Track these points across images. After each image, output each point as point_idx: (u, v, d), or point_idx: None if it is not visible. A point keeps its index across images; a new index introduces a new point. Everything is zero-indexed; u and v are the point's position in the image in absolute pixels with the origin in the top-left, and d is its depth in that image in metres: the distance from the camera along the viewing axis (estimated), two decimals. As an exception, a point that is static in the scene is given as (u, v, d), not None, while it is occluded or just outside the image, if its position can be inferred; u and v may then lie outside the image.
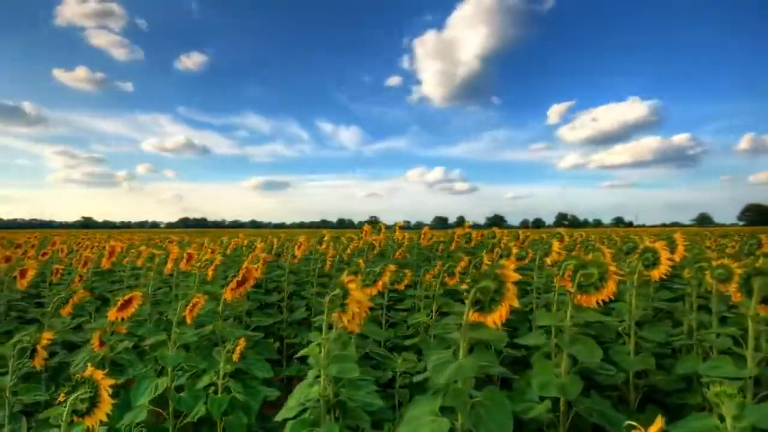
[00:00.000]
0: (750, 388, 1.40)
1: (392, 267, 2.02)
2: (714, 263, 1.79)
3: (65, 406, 1.24)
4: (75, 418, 1.29)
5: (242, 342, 1.68)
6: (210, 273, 2.26)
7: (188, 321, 1.74)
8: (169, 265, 2.45)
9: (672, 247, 2.45)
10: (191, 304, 1.74)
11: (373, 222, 4.82)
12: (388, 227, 4.69)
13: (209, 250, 3.27)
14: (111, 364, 1.90)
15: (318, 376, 1.41)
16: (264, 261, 2.69)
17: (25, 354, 1.51)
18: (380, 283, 1.96)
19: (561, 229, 4.44)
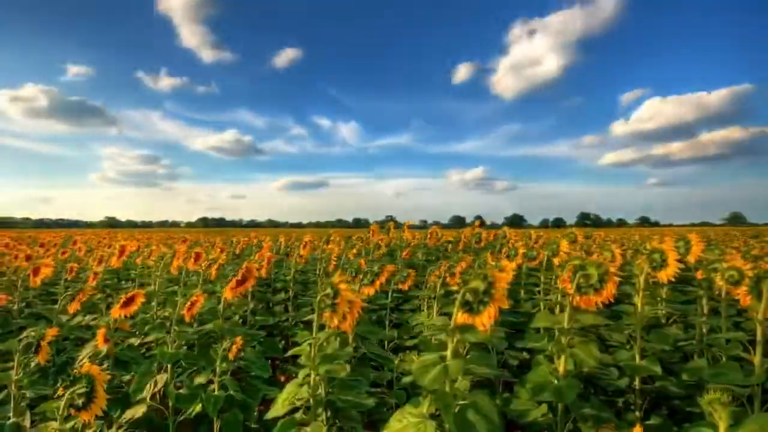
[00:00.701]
0: (758, 396, 1.34)
1: (391, 267, 2.01)
2: (725, 264, 1.72)
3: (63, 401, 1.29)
4: (72, 412, 1.34)
5: (239, 340, 1.69)
6: (213, 272, 2.29)
7: (187, 319, 1.77)
8: (175, 263, 2.50)
9: (687, 247, 2.37)
10: (189, 303, 1.76)
11: (387, 221, 4.82)
12: (397, 226, 4.68)
13: (218, 249, 3.33)
14: (116, 361, 1.95)
15: (308, 376, 1.41)
16: (269, 260, 2.71)
17: (31, 349, 1.56)
18: (378, 283, 1.95)
19: (574, 229, 4.33)
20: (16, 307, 2.28)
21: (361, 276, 2.00)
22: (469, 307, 1.25)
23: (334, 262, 3.02)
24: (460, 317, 1.26)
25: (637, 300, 1.94)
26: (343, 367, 1.35)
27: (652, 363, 1.78)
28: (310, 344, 1.43)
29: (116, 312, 1.76)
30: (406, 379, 1.68)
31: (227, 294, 1.91)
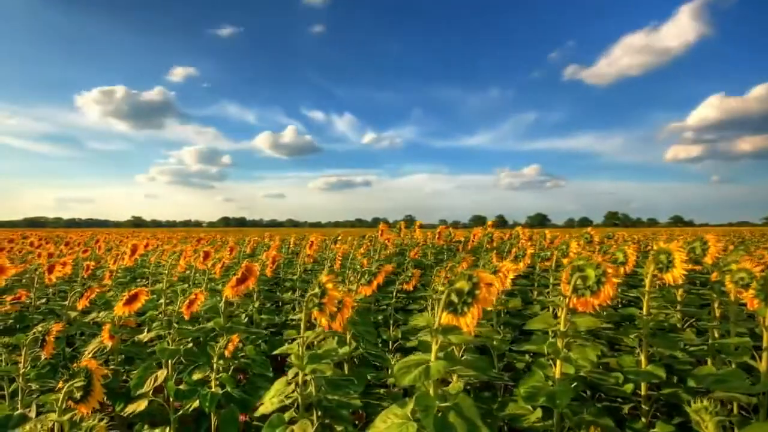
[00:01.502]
0: (764, 405, 1.26)
1: (389, 267, 2.00)
2: (734, 266, 1.63)
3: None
4: (71, 404, 1.39)
5: (235, 338, 1.72)
6: (217, 270, 2.33)
7: (186, 316, 1.81)
8: (182, 262, 2.56)
9: (704, 248, 2.27)
10: (188, 300, 1.80)
11: (406, 221, 4.80)
12: (407, 225, 4.65)
13: (228, 249, 3.39)
14: (121, 355, 2.02)
15: (296, 375, 1.42)
16: (274, 260, 2.75)
17: (37, 343, 1.63)
18: (375, 283, 1.94)
19: (590, 229, 4.21)
20: (33, 303, 2.39)
21: (358, 276, 2.00)
22: (453, 308, 1.23)
23: (340, 262, 3.03)
24: (444, 318, 1.24)
25: (644, 303, 1.87)
26: (330, 367, 1.35)
27: (657, 368, 1.71)
28: (298, 343, 1.44)
29: (119, 309, 1.82)
30: (390, 380, 1.66)
31: (227, 292, 1.94)
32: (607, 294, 1.46)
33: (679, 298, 2.48)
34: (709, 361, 1.98)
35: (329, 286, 1.37)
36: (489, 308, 1.19)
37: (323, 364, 1.36)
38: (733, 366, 1.54)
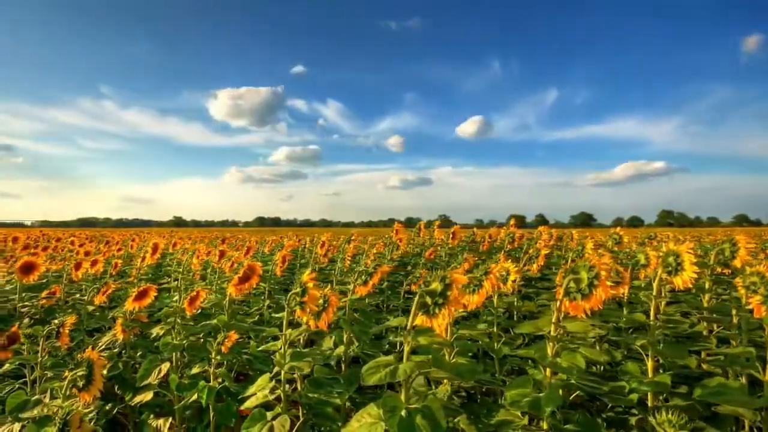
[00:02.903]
0: (767, 421, 1.16)
1: (386, 268, 1.99)
2: (748, 270, 1.50)
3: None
4: (75, 392, 1.50)
5: (232, 335, 1.78)
6: (227, 269, 2.42)
7: (188, 313, 1.89)
8: (196, 261, 2.68)
9: (733, 250, 2.13)
10: (189, 297, 1.89)
11: (441, 220, 4.77)
12: (426, 225, 4.61)
13: (245, 249, 3.51)
14: (131, 349, 2.14)
15: (280, 371, 1.45)
16: (284, 260, 2.82)
17: (53, 335, 1.77)
18: (371, 283, 1.95)
19: (619, 229, 4.00)
20: (62, 297, 2.59)
21: (355, 276, 2.01)
22: (426, 309, 1.22)
23: (348, 262, 3.06)
24: (419, 319, 1.23)
25: (651, 307, 1.77)
26: (309, 365, 1.37)
27: (663, 378, 1.61)
28: (282, 341, 1.47)
29: (129, 304, 1.94)
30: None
31: (231, 290, 2.01)
32: (599, 297, 1.39)
33: (705, 304, 2.32)
34: (730, 372, 1.85)
35: (310, 285, 1.40)
36: (460, 309, 1.17)
37: (303, 362, 1.39)
38: (743, 378, 1.42)
